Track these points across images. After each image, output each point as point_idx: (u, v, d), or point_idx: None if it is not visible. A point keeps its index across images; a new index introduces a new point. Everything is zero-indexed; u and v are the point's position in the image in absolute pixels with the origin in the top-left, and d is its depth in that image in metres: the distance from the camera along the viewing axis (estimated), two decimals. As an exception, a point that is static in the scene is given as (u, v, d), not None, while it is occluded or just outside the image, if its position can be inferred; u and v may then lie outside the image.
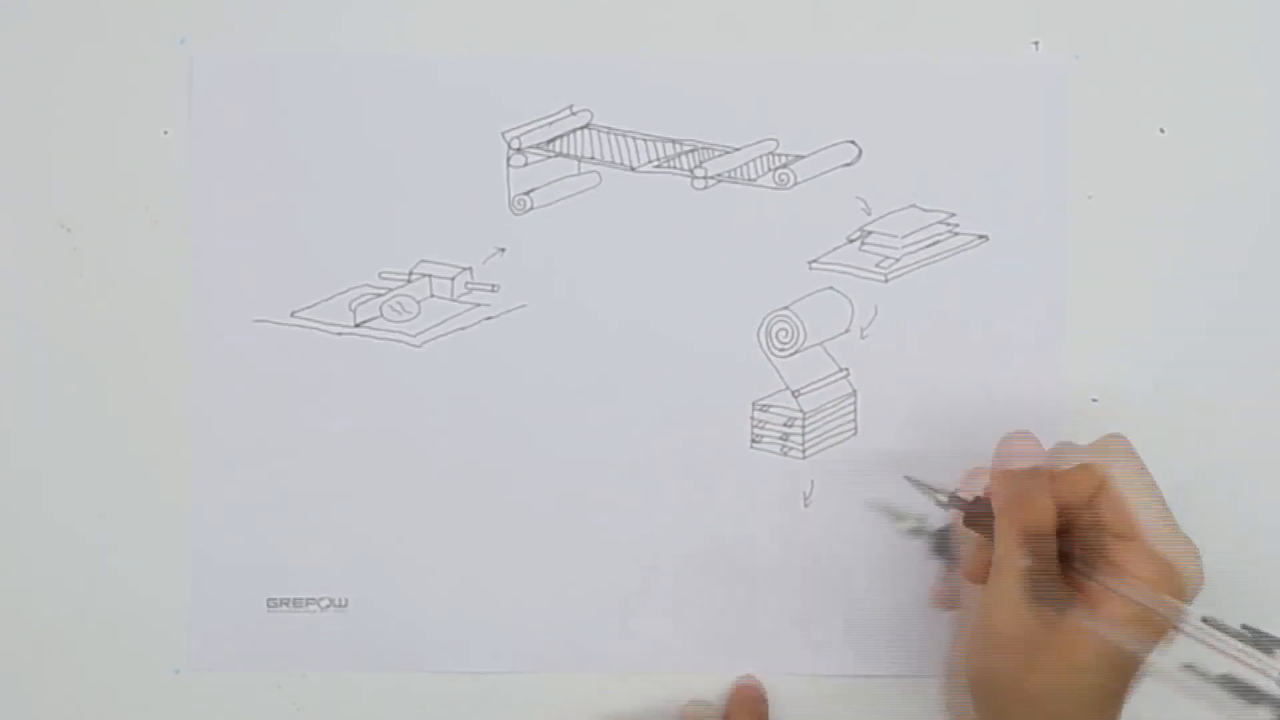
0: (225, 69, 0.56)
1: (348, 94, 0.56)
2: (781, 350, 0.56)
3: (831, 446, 0.56)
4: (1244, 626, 0.45)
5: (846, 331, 0.56)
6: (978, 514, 0.49)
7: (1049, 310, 0.56)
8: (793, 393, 0.56)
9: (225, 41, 0.56)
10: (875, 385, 0.56)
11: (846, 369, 0.56)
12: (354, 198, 0.56)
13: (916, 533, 0.52)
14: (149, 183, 0.56)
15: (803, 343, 0.56)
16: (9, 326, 0.56)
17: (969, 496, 0.50)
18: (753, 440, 0.56)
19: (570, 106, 0.56)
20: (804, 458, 0.56)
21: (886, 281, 0.56)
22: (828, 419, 0.56)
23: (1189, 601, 0.46)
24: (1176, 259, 0.56)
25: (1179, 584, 0.46)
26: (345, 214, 0.56)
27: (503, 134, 0.56)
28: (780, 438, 0.56)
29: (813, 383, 0.56)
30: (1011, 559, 0.46)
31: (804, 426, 0.56)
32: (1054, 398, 0.56)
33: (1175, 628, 0.45)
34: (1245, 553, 0.56)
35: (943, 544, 0.52)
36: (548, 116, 0.56)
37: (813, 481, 0.56)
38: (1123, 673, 0.46)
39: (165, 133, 0.56)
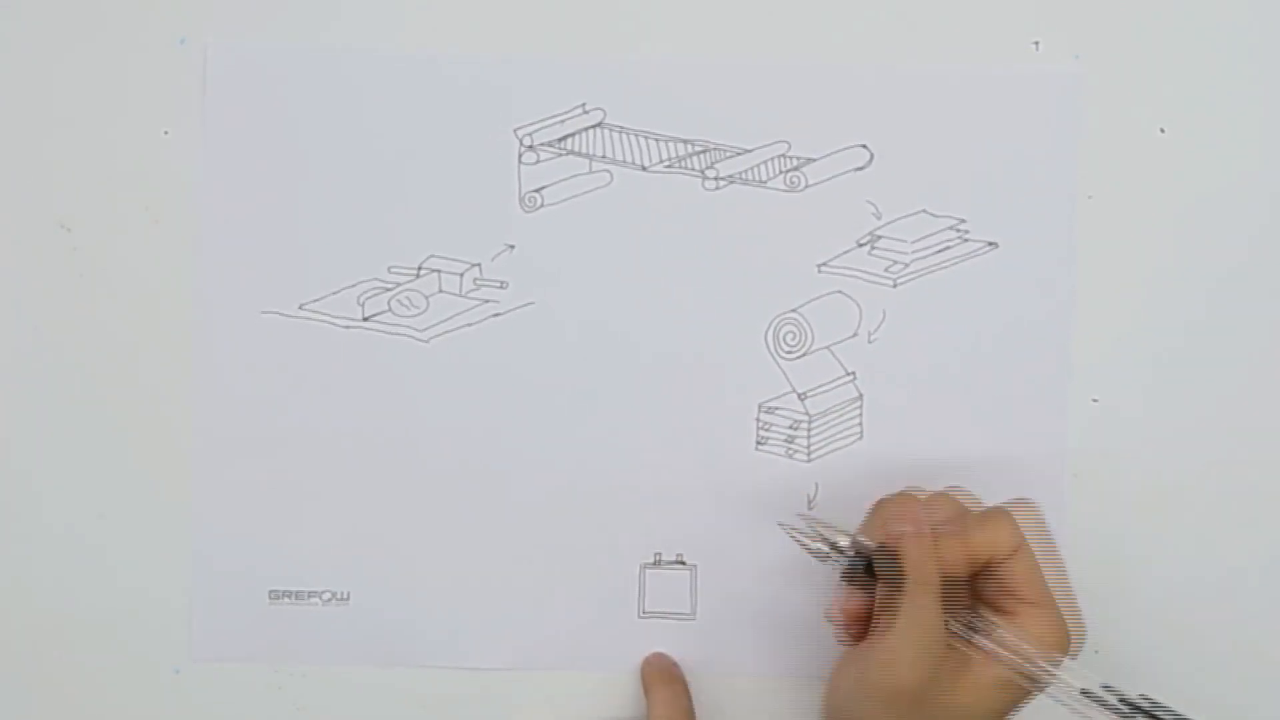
0: (237, 62, 0.55)
1: (360, 89, 0.55)
2: (789, 353, 0.56)
3: (837, 450, 0.56)
4: (1141, 696, 0.46)
5: (854, 335, 0.56)
6: (882, 562, 0.49)
7: (1056, 316, 0.56)
8: (799, 395, 0.56)
9: (228, 40, 0.56)
10: (882, 389, 0.56)
11: (853, 373, 0.56)
12: (364, 192, 0.56)
13: (828, 556, 0.50)
14: (149, 183, 0.56)
15: (810, 345, 0.56)
16: (9, 326, 0.56)
17: (872, 543, 0.49)
18: (758, 442, 0.56)
19: (583, 105, 0.56)
20: (809, 460, 0.56)
21: (895, 286, 0.56)
22: (833, 422, 0.56)
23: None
24: (1176, 258, 0.56)
25: (1072, 649, 0.48)
26: (355, 208, 0.56)
27: (515, 131, 0.56)
28: (786, 440, 0.56)
29: (819, 386, 0.56)
30: (925, 610, 0.47)
31: (810, 429, 0.56)
32: (1059, 402, 0.56)
33: (1049, 693, 0.46)
34: (1245, 553, 0.57)
35: (860, 571, 0.49)
36: (560, 114, 0.56)
37: (817, 484, 0.56)
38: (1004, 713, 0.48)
39: (165, 132, 0.56)
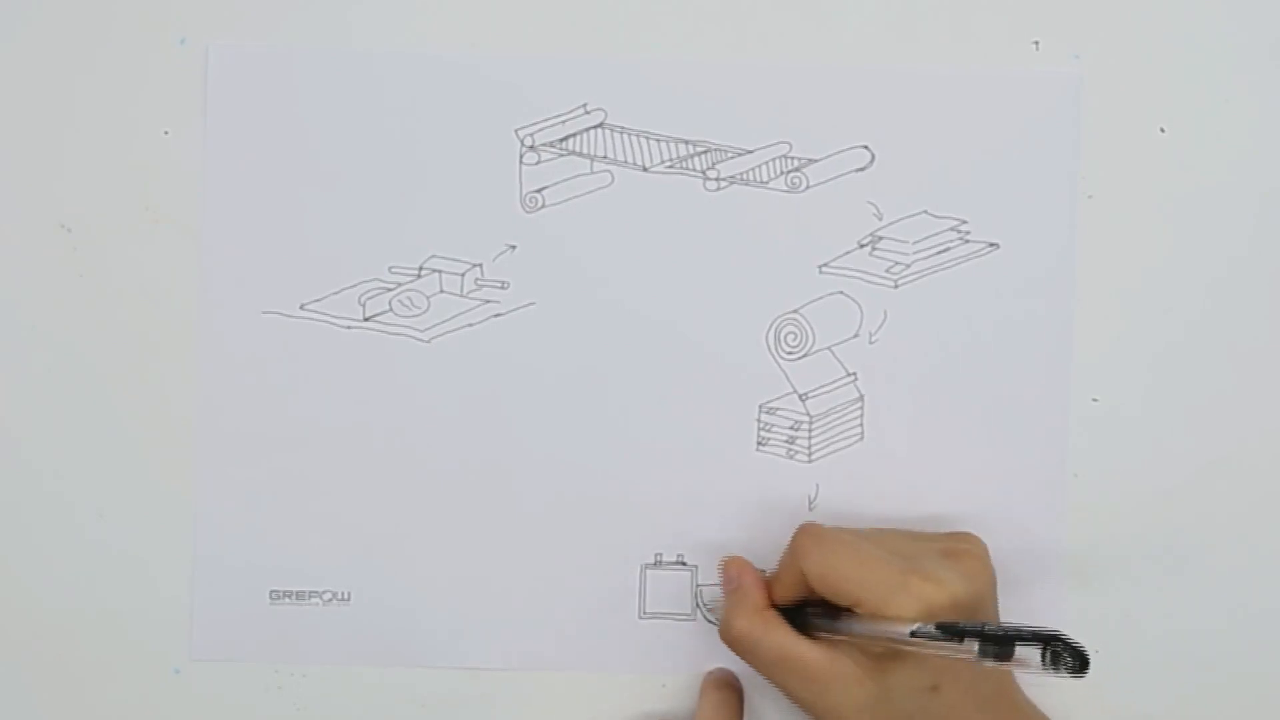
0: (237, 63, 0.55)
1: (361, 89, 0.55)
2: (790, 353, 0.56)
3: (838, 451, 0.56)
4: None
5: (855, 336, 0.56)
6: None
7: (1056, 316, 0.56)
8: (800, 396, 0.56)
9: (228, 41, 0.56)
10: (883, 390, 0.56)
11: (854, 373, 0.56)
12: (365, 192, 0.56)
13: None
14: (149, 183, 0.56)
15: (811, 346, 0.56)
16: (9, 326, 0.56)
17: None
18: (759, 443, 0.56)
19: (584, 105, 0.56)
20: (810, 461, 0.56)
21: (896, 287, 0.56)
22: (834, 423, 0.56)
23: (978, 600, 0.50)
24: (1176, 258, 0.56)
25: (942, 605, 0.48)
26: (356, 208, 0.56)
27: (516, 131, 0.56)
28: (787, 441, 0.56)
29: (820, 386, 0.56)
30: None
31: (810, 430, 0.56)
32: (1059, 402, 0.56)
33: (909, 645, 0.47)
34: (1246, 553, 0.57)
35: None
36: (561, 115, 0.56)
37: (818, 485, 0.56)
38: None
39: (165, 133, 0.56)
